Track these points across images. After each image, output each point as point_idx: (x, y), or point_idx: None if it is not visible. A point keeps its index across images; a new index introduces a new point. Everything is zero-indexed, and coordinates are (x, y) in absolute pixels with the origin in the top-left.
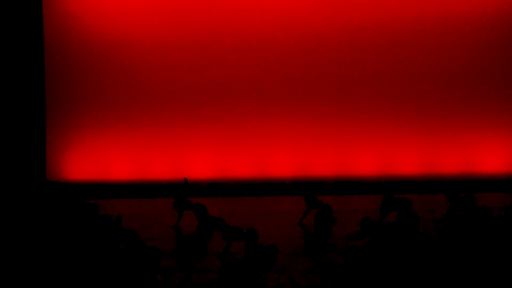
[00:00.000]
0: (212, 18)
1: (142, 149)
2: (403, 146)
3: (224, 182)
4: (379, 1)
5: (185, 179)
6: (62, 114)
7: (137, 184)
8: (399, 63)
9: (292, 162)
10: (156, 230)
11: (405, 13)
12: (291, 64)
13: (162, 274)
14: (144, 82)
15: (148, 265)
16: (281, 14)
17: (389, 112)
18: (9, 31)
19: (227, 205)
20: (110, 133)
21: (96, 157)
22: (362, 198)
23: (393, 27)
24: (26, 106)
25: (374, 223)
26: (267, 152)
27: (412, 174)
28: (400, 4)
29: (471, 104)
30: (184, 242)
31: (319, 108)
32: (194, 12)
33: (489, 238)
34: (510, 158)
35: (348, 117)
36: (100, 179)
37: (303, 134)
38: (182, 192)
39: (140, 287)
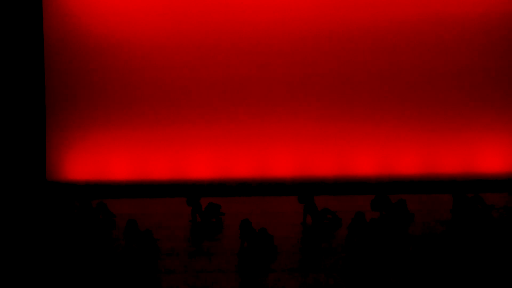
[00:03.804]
0: (212, 18)
1: (142, 149)
2: (403, 146)
3: (224, 182)
4: (379, 1)
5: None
6: (62, 114)
7: (137, 184)
8: (399, 63)
9: (292, 162)
10: (156, 230)
11: (405, 14)
12: (292, 65)
13: (164, 274)
14: (144, 82)
15: (149, 264)
16: (281, 15)
17: (389, 112)
18: (9, 31)
19: (227, 205)
20: (110, 133)
21: (96, 157)
22: (362, 198)
23: (393, 28)
24: (26, 106)
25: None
26: (267, 152)
27: (413, 174)
28: (399, 4)
29: (471, 104)
30: (184, 241)
31: (319, 108)
32: (194, 12)
33: (489, 237)
34: (510, 158)
35: (348, 117)
36: (100, 179)
37: (303, 134)
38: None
39: (142, 287)
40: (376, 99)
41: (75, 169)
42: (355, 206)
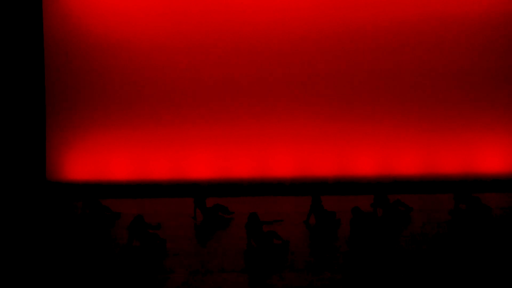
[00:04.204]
0: (212, 18)
1: (142, 149)
2: (403, 146)
3: (225, 182)
4: (379, 2)
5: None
6: (62, 114)
7: (137, 184)
8: (399, 63)
9: (293, 162)
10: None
11: (405, 14)
12: (292, 65)
13: (166, 273)
14: (144, 83)
15: (154, 264)
16: (281, 15)
17: (389, 112)
18: (9, 31)
19: (227, 205)
20: (110, 133)
21: (96, 157)
22: (362, 198)
23: (393, 28)
24: (26, 106)
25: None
26: (267, 152)
27: (413, 174)
28: (400, 5)
29: (471, 104)
30: (186, 241)
31: (320, 108)
32: (194, 12)
33: (489, 236)
34: (510, 158)
35: (348, 117)
36: (100, 179)
37: (303, 134)
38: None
39: (146, 286)
40: (376, 99)
41: (75, 169)
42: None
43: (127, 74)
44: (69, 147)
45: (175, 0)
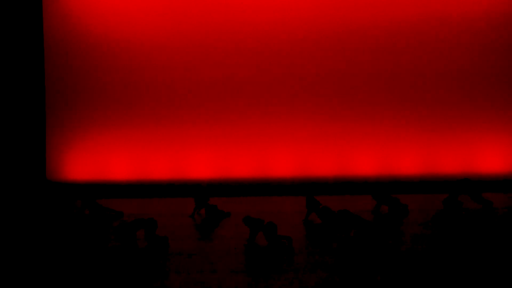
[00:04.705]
0: (212, 18)
1: (142, 149)
2: (403, 146)
3: (225, 182)
4: (379, 2)
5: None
6: (62, 114)
7: (137, 184)
8: (399, 64)
9: (292, 162)
10: (158, 230)
11: (405, 14)
12: (292, 65)
13: (166, 273)
14: (144, 82)
15: (156, 264)
16: (281, 15)
17: (389, 112)
18: (9, 31)
19: (227, 205)
20: (110, 133)
21: (96, 157)
22: (362, 198)
23: (393, 28)
24: (26, 106)
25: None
26: (267, 152)
27: (413, 174)
28: (399, 5)
29: (471, 104)
30: (186, 241)
31: (320, 108)
32: (194, 12)
33: (489, 235)
34: (510, 158)
35: (348, 117)
36: (100, 179)
37: (303, 134)
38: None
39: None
40: (376, 99)
41: (75, 169)
42: (355, 206)
43: (127, 74)
44: (69, 147)
45: (175, 0)
